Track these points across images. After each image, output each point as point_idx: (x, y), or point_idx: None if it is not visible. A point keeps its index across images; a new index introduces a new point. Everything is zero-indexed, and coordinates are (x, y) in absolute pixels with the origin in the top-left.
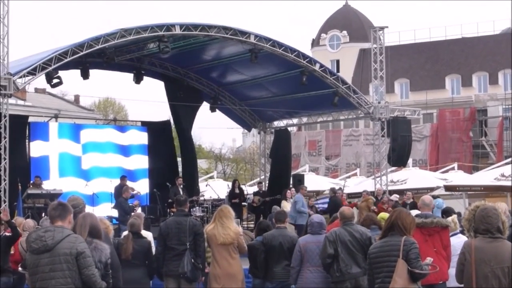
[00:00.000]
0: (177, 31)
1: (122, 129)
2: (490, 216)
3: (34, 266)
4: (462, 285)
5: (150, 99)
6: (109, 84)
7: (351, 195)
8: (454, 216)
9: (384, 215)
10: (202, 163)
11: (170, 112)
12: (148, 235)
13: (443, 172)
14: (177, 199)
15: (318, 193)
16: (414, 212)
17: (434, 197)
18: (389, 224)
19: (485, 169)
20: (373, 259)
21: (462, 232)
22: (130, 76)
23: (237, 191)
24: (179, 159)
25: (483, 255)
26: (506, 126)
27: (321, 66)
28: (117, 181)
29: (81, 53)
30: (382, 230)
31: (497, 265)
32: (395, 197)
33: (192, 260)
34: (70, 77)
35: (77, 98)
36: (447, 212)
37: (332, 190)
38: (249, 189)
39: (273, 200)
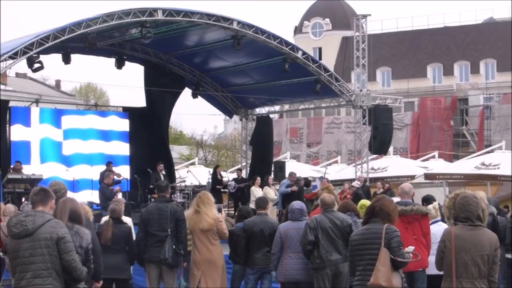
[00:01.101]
0: (160, 16)
1: (103, 114)
2: (470, 204)
3: (15, 251)
4: (441, 272)
5: (131, 85)
6: (90, 70)
7: (332, 183)
8: (435, 203)
9: (365, 202)
10: (183, 150)
11: (149, 98)
12: (128, 221)
13: (423, 160)
14: (158, 185)
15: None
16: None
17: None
18: (372, 211)
19: (466, 157)
20: (355, 246)
21: (442, 219)
22: (111, 61)
23: (219, 177)
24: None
25: (463, 243)
26: (487, 115)
27: (304, 53)
28: (98, 168)
29: (63, 38)
30: (364, 217)
31: (477, 252)
32: (356, 183)
33: (173, 246)
34: (51, 62)
35: (58, 83)
36: (427, 200)
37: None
38: (230, 176)
39: (246, 186)
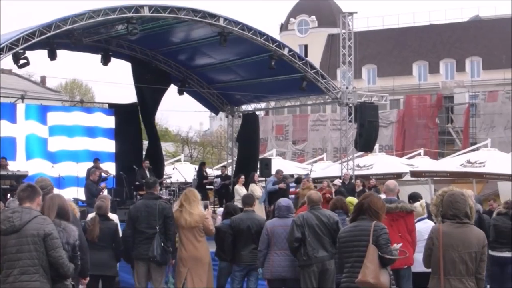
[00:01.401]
0: (146, 12)
1: (88, 110)
2: (458, 202)
3: (1, 247)
4: (427, 270)
5: (117, 81)
6: (76, 66)
7: (317, 180)
8: (423, 201)
9: (352, 199)
10: (168, 146)
11: (139, 94)
12: (114, 217)
13: (409, 158)
14: (146, 182)
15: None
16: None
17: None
18: (360, 209)
19: (451, 155)
20: (343, 243)
21: (429, 217)
22: (97, 57)
23: (205, 174)
24: (145, 142)
25: (450, 240)
26: (472, 113)
27: (290, 50)
28: (83, 165)
29: (49, 34)
30: (352, 214)
31: (465, 250)
32: (338, 181)
33: (162, 244)
34: (37, 58)
35: (43, 79)
36: (413, 197)
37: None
38: (216, 173)
39: (231, 183)
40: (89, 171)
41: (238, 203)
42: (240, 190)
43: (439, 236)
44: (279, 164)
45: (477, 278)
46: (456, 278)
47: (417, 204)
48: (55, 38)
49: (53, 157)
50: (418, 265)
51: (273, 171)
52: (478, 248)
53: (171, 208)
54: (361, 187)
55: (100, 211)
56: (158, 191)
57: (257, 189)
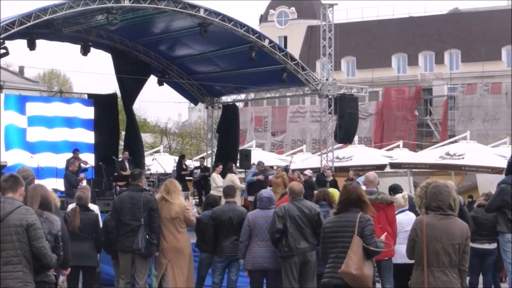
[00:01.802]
0: (126, 3)
1: (68, 101)
2: (442, 193)
3: None
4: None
5: (96, 72)
6: (54, 56)
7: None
8: (405, 193)
9: (333, 191)
10: (147, 137)
11: (117, 85)
12: (95, 208)
13: (388, 150)
14: (132, 173)
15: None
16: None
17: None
18: (347, 200)
19: (430, 147)
20: (327, 233)
21: (410, 209)
22: (76, 47)
23: (184, 165)
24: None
25: (434, 232)
26: (451, 105)
27: (270, 42)
28: (63, 156)
29: (29, 24)
30: (339, 205)
31: (448, 242)
32: (309, 172)
33: (147, 236)
34: (15, 48)
35: (21, 69)
36: (394, 189)
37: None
38: (196, 164)
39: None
40: (68, 162)
41: (214, 191)
42: (217, 178)
43: (423, 228)
44: (258, 156)
45: (460, 270)
46: (439, 270)
47: (399, 195)
48: (35, 28)
49: (32, 148)
50: (399, 257)
51: (254, 163)
52: (462, 240)
53: (156, 201)
54: (331, 177)
55: (81, 201)
56: (144, 183)
57: (237, 180)
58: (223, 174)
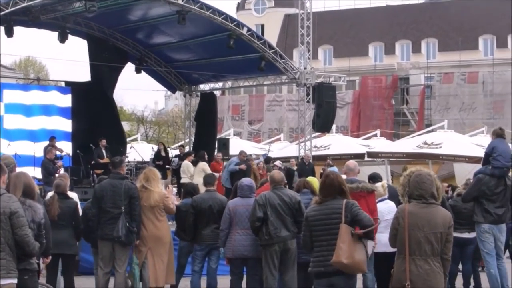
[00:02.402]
0: None
1: (45, 88)
2: (424, 182)
3: None
4: (389, 250)
5: (73, 59)
6: (31, 43)
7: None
8: (384, 182)
9: (312, 179)
10: (124, 126)
11: (93, 72)
12: (74, 196)
13: (365, 139)
14: (112, 161)
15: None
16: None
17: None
18: (330, 188)
19: (407, 136)
20: (312, 221)
21: (389, 197)
22: (52, 35)
23: (163, 153)
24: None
25: (416, 220)
26: (428, 94)
27: (249, 30)
28: (41, 144)
29: (6, 11)
30: (321, 193)
31: (430, 230)
32: (279, 163)
33: (127, 224)
34: None
35: None
36: (373, 177)
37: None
38: (173, 152)
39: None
40: (45, 150)
41: (185, 179)
42: (191, 166)
43: (405, 216)
44: (236, 144)
45: (442, 259)
46: (421, 258)
47: (378, 184)
48: (12, 15)
49: (9, 135)
50: (379, 246)
51: (232, 151)
52: (444, 228)
53: (137, 189)
54: (295, 166)
55: (59, 189)
56: (125, 171)
57: (208, 168)
58: (195, 163)
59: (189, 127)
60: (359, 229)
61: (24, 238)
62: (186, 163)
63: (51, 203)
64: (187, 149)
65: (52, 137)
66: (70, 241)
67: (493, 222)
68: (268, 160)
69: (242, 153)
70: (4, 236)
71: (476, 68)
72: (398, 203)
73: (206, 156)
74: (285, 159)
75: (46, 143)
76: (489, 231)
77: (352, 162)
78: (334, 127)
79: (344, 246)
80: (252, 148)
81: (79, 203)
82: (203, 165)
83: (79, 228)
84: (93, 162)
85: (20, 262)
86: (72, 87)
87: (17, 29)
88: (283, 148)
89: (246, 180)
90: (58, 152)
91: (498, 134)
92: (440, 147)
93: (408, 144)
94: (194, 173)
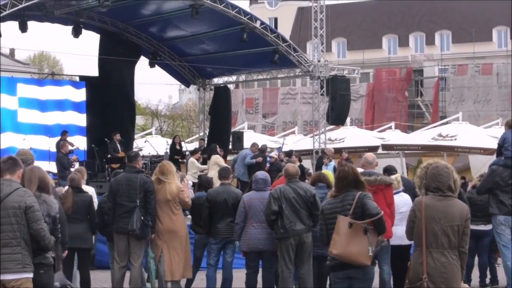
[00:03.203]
0: None
1: (59, 83)
2: (441, 175)
3: None
4: (405, 243)
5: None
6: (45, 38)
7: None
8: (398, 175)
9: (327, 172)
10: (138, 120)
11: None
12: (90, 190)
13: (380, 131)
14: (128, 155)
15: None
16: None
17: None
18: (345, 181)
19: (422, 129)
20: (328, 215)
21: (404, 190)
22: (66, 30)
23: (178, 147)
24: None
25: (433, 213)
26: (442, 86)
27: (262, 23)
28: (55, 139)
29: (20, 6)
30: (337, 186)
31: (447, 223)
32: (274, 154)
33: (142, 218)
34: (6, 30)
35: (12, 51)
36: (388, 170)
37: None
38: (188, 146)
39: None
40: (58, 144)
41: (190, 176)
42: (196, 162)
43: (421, 209)
44: (251, 138)
45: (459, 251)
46: (438, 251)
47: (392, 177)
48: (26, 10)
49: (23, 128)
50: (395, 238)
51: (245, 145)
52: (461, 221)
53: (152, 182)
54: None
55: (73, 183)
56: (140, 165)
57: (222, 161)
58: (208, 156)
59: (203, 121)
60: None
61: (40, 233)
62: (191, 161)
63: (65, 197)
64: (204, 142)
65: (64, 131)
66: (85, 235)
67: (508, 214)
68: (289, 153)
69: (254, 145)
70: (20, 231)
71: (490, 59)
72: (413, 195)
73: (218, 149)
74: (300, 152)
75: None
76: (505, 223)
77: (370, 155)
78: (348, 119)
79: (337, 238)
80: (266, 141)
81: (95, 197)
82: (216, 158)
83: (94, 222)
84: (108, 156)
85: (35, 256)
86: (87, 82)
87: (31, 24)
88: (297, 141)
89: (260, 174)
90: (69, 147)
91: (510, 126)
92: (455, 139)
93: (423, 136)
94: (208, 166)
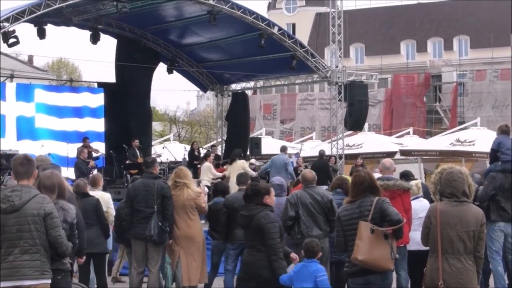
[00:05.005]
0: None
1: (77, 90)
2: (456, 180)
3: (1, 226)
4: (422, 248)
5: (105, 60)
6: (63, 45)
7: (308, 159)
8: (418, 181)
9: (346, 177)
10: (156, 126)
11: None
12: (107, 196)
13: (398, 137)
14: (145, 161)
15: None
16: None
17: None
18: (361, 186)
19: (440, 134)
20: (345, 221)
21: (423, 196)
22: (85, 36)
23: (196, 153)
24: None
25: (448, 219)
26: (460, 92)
27: (280, 29)
28: (74, 146)
29: (38, 13)
30: (353, 192)
31: (462, 228)
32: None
33: (159, 223)
34: (24, 37)
35: (30, 58)
36: (405, 175)
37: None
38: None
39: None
40: (78, 150)
41: (205, 181)
42: (212, 168)
43: (436, 215)
44: (269, 143)
45: (475, 257)
46: (454, 257)
47: (412, 183)
48: (44, 16)
49: (41, 134)
50: (413, 244)
51: (264, 151)
52: (476, 226)
53: (170, 188)
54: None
55: (78, 188)
56: (157, 170)
57: (247, 166)
58: (231, 161)
59: (221, 127)
60: (388, 226)
61: (58, 239)
62: (208, 165)
63: None
64: (219, 149)
65: (85, 137)
66: (97, 239)
67: (508, 221)
68: (321, 155)
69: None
70: (39, 238)
71: (508, 65)
72: (431, 201)
73: (242, 154)
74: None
75: (79, 144)
76: (504, 230)
77: (388, 161)
78: (366, 125)
79: (361, 243)
80: None
81: (111, 203)
82: (243, 163)
83: (103, 224)
84: (127, 162)
85: (53, 262)
86: (105, 88)
87: (49, 31)
88: (315, 147)
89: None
90: (93, 153)
91: (504, 131)
92: (473, 145)
93: (441, 142)
94: (230, 171)
